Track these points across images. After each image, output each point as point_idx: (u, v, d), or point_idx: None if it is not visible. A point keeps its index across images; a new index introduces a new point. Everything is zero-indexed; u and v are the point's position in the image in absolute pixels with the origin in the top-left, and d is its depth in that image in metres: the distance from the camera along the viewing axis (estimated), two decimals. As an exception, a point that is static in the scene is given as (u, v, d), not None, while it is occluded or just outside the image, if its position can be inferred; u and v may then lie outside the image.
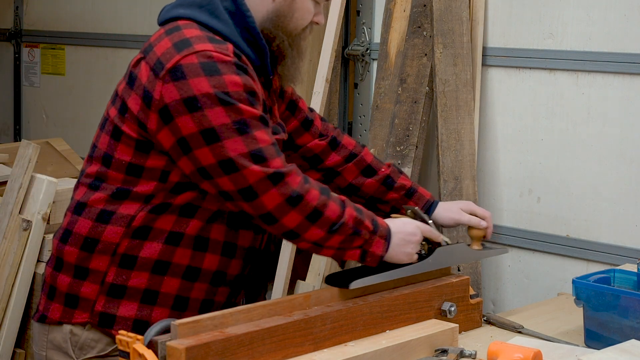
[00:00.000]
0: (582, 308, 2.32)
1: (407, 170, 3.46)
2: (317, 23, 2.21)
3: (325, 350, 2.04)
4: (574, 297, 2.32)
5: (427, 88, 3.45)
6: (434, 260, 2.29)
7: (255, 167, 1.99)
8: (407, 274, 2.24)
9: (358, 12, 3.88)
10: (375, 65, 3.76)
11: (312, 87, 3.74)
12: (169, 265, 2.11)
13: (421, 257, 2.28)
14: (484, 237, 2.50)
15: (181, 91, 1.97)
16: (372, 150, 3.65)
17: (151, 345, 1.84)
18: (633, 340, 2.16)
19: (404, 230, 2.20)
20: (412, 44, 3.50)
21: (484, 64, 3.41)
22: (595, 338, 2.29)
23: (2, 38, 5.24)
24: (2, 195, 3.38)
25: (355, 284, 2.12)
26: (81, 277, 2.11)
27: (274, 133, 2.15)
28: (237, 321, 1.94)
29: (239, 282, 2.24)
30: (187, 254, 2.12)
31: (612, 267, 2.68)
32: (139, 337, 1.83)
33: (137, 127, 2.06)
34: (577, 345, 2.28)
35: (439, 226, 2.51)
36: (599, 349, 2.16)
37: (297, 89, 2.49)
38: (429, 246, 2.30)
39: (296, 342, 1.99)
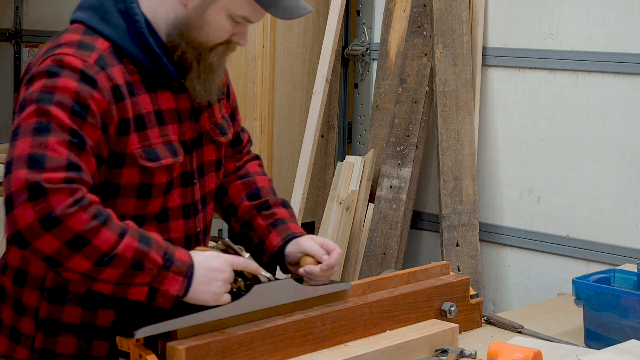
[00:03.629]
0: (582, 308, 2.32)
1: (406, 170, 3.47)
2: (237, 43, 2.01)
3: (325, 350, 2.04)
4: (574, 297, 2.32)
5: (427, 88, 3.45)
6: (251, 299, 1.95)
7: (22, 172, 1.72)
8: (213, 317, 1.89)
9: (358, 12, 3.88)
10: (375, 65, 3.76)
11: (312, 87, 3.75)
12: (101, 298, 1.96)
13: (238, 296, 1.94)
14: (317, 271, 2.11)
15: (24, 94, 1.84)
16: (371, 150, 3.65)
17: (151, 345, 1.84)
18: (633, 340, 2.16)
19: (208, 266, 1.88)
20: (412, 44, 3.50)
21: (484, 64, 3.41)
22: (595, 338, 2.29)
23: (2, 38, 5.24)
24: (2, 196, 3.38)
25: (142, 332, 1.80)
26: (19, 312, 1.98)
27: (175, 155, 1.95)
28: (237, 321, 1.94)
29: None
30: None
31: (612, 267, 2.68)
32: (139, 337, 1.83)
33: None
34: (577, 345, 2.28)
35: (285, 261, 2.16)
36: (599, 349, 2.16)
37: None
38: (247, 283, 1.97)
39: (296, 342, 1.99)
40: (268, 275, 1.98)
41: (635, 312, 2.21)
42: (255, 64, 3.79)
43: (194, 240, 2.06)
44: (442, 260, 3.30)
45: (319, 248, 2.10)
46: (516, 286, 3.40)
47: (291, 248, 2.12)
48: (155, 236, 1.86)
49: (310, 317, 2.02)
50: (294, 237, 2.14)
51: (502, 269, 3.43)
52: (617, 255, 3.12)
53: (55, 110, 1.78)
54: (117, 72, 1.90)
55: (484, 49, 3.41)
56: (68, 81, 1.81)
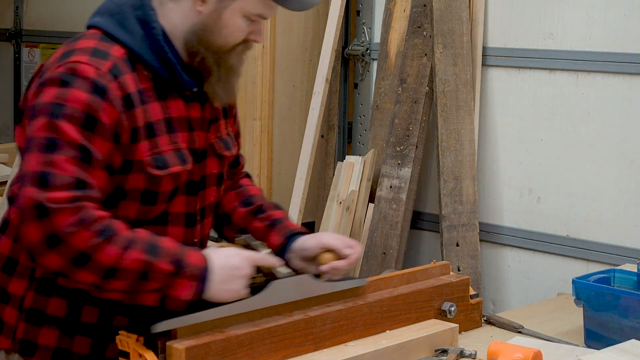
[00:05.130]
0: (582, 308, 2.32)
1: (406, 170, 3.46)
2: (254, 41, 2.04)
3: (325, 350, 2.04)
4: (574, 297, 2.32)
5: (427, 88, 3.45)
6: (268, 295, 1.98)
7: (30, 190, 1.78)
8: (230, 312, 1.93)
9: (358, 12, 3.88)
10: (375, 65, 3.76)
11: (312, 87, 3.75)
12: (87, 294, 1.96)
13: (257, 290, 1.98)
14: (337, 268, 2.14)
15: (35, 98, 1.88)
16: (371, 150, 3.66)
17: (151, 344, 1.84)
18: (633, 340, 2.16)
19: (227, 265, 1.91)
20: (412, 44, 3.50)
21: (484, 64, 3.41)
22: (595, 338, 2.29)
23: (2, 38, 5.25)
24: (2, 195, 3.38)
25: (159, 327, 1.85)
26: (3, 301, 2.00)
27: (184, 162, 1.98)
28: (237, 321, 1.94)
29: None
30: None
31: (612, 267, 2.68)
32: (139, 337, 1.83)
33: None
34: (577, 345, 2.28)
35: (303, 256, 2.17)
36: (599, 349, 2.16)
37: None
38: (266, 278, 2.00)
39: (296, 342, 1.99)
40: (287, 270, 2.02)
41: (635, 312, 2.21)
42: (255, 64, 3.79)
43: None
44: (442, 260, 3.30)
45: (339, 243, 2.13)
46: (516, 286, 3.40)
47: (311, 242, 2.15)
48: (166, 243, 1.88)
49: (310, 317, 2.02)
50: (294, 234, 2.18)
51: (502, 269, 3.43)
52: (617, 255, 3.12)
53: (65, 126, 1.82)
54: (130, 80, 1.92)
55: (484, 49, 3.41)
56: (79, 93, 1.84)
